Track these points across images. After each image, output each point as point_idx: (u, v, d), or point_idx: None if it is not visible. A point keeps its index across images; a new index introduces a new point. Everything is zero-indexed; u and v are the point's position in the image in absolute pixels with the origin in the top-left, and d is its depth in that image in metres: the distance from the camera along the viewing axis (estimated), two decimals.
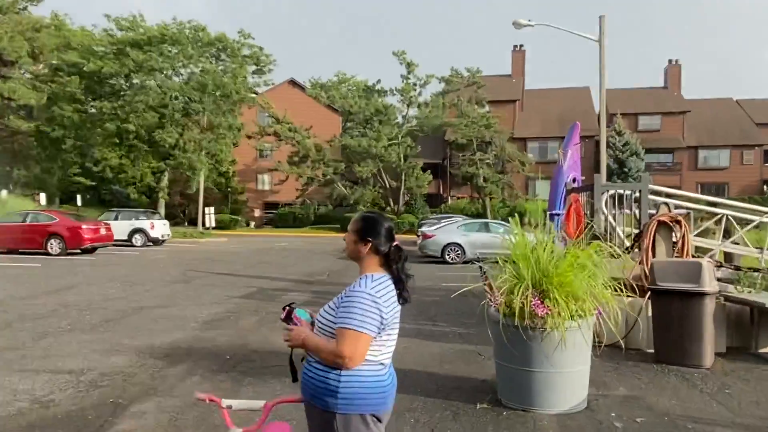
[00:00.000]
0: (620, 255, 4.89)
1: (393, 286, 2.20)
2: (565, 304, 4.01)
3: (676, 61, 47.47)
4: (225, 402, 2.37)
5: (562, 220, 8.08)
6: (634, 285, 5.50)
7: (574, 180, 9.93)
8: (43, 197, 28.73)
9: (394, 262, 2.24)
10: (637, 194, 7.43)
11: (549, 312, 3.98)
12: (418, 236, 20.20)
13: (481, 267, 4.88)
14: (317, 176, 40.02)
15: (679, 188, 26.53)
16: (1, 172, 31.96)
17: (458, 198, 43.32)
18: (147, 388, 4.93)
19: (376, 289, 2.14)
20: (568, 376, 4.15)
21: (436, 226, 19.84)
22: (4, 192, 28.63)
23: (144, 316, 8.27)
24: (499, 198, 38.49)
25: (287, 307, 2.36)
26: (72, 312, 8.44)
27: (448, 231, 18.29)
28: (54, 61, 32.18)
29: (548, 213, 9.11)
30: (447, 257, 17.52)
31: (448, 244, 17.64)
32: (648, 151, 41.28)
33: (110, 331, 7.19)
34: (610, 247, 4.67)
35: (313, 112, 44.21)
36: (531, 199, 38.45)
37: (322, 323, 2.22)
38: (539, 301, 4.05)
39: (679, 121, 44.25)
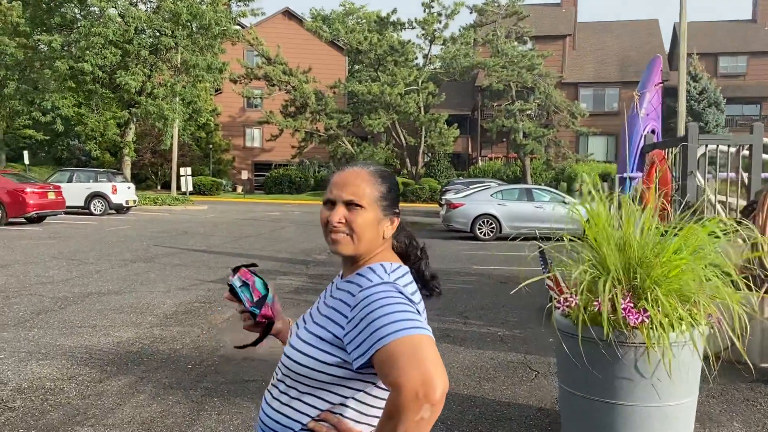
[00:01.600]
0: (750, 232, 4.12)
1: (413, 281, 1.60)
2: (670, 307, 3.30)
3: None
4: None
5: (639, 185, 7.30)
6: (748, 275, 4.76)
7: (653, 132, 9.11)
8: None
9: (413, 249, 1.70)
10: (746, 151, 6.60)
11: (647, 319, 3.26)
12: (441, 205, 19.85)
13: (542, 252, 4.15)
14: (318, 131, 39.29)
15: None
16: None
17: (491, 158, 42.65)
18: (73, 413, 4.33)
19: (401, 282, 1.53)
20: (672, 411, 3.45)
21: (464, 193, 19.34)
22: None
23: (88, 305, 7.73)
24: (543, 158, 37.66)
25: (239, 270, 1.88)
26: None
27: (479, 199, 17.76)
28: None
29: (619, 176, 8.35)
30: (478, 232, 16.95)
31: (480, 216, 17.09)
32: (729, 101, 40.11)
33: (39, 327, 6.63)
34: (734, 222, 3.90)
35: (313, 51, 43.29)
36: (583, 159, 37.52)
37: (287, 365, 1.56)
38: (631, 304, 3.33)
39: None
